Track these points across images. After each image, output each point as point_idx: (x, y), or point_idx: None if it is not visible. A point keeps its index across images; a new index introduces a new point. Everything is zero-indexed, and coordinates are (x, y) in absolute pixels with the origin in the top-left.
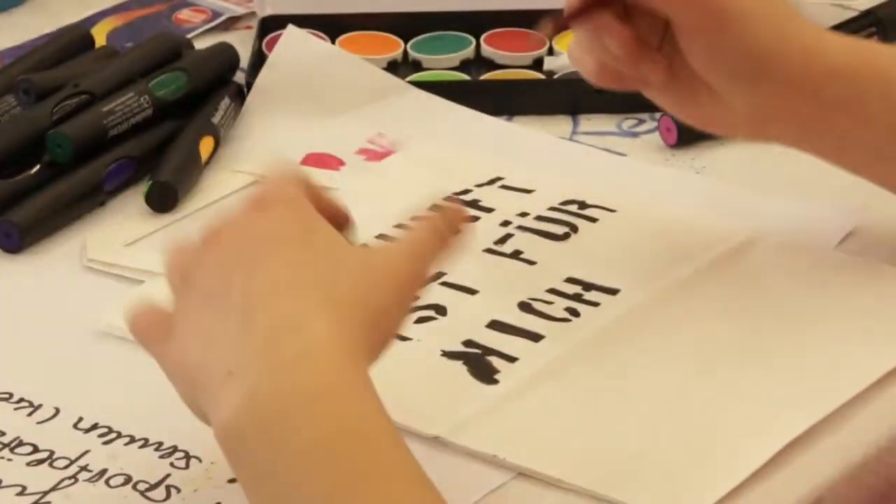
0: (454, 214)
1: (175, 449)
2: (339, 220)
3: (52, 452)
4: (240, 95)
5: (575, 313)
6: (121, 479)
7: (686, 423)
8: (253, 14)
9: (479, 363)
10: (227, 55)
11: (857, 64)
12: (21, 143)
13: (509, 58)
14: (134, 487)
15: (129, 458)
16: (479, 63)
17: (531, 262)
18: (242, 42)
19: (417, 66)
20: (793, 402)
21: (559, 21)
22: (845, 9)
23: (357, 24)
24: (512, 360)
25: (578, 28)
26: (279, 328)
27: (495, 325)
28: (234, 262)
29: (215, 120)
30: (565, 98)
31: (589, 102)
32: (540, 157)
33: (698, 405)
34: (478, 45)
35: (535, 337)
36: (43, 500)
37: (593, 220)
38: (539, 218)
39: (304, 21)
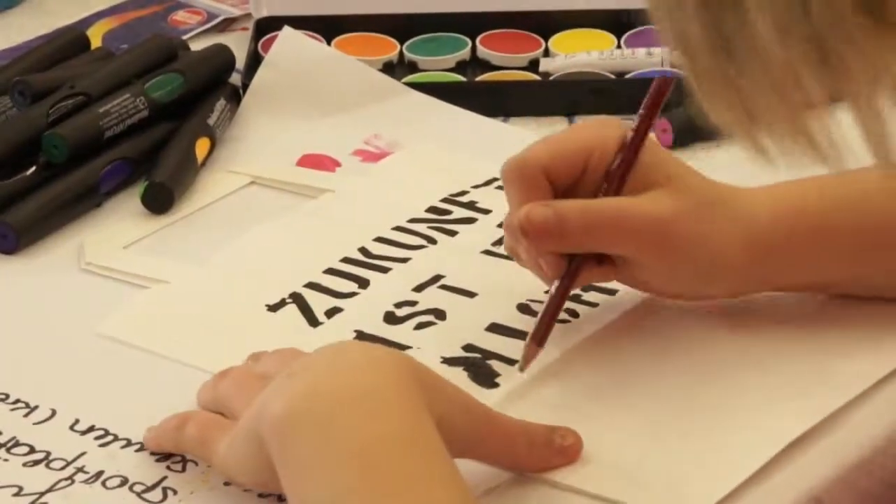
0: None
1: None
2: None
3: (48, 453)
4: (235, 97)
5: (574, 314)
6: (117, 481)
7: (686, 423)
8: (249, 16)
9: (480, 368)
10: (222, 56)
11: (791, 228)
12: (17, 144)
13: (505, 59)
14: (131, 489)
15: (125, 460)
16: (475, 64)
17: None
18: (238, 43)
19: (413, 68)
20: (791, 404)
21: (531, 350)
22: None
23: (353, 26)
24: (512, 362)
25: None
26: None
27: (495, 328)
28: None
29: (211, 121)
30: (561, 99)
31: (585, 104)
32: None
33: (698, 406)
34: (474, 47)
35: None
36: (40, 501)
37: None
38: None
39: (299, 22)
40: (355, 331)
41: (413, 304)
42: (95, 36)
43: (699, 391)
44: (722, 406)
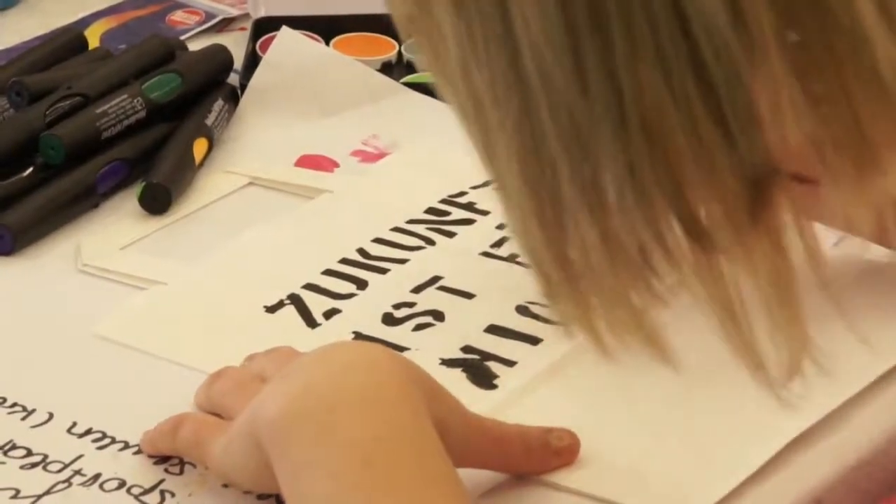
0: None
1: (169, 455)
2: None
3: (45, 456)
4: (233, 97)
5: None
6: (115, 484)
7: (685, 424)
8: (247, 16)
9: (479, 369)
10: (220, 57)
11: None
12: (14, 145)
13: None
14: (128, 492)
15: (123, 463)
16: None
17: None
18: (236, 44)
19: (412, 68)
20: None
21: None
22: None
23: (351, 26)
24: (511, 364)
25: None
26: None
27: (493, 330)
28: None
29: (209, 121)
30: None
31: None
32: None
33: (697, 406)
34: None
35: (534, 340)
36: None
37: None
38: None
39: (298, 22)
40: (353, 332)
41: (411, 305)
42: (93, 36)
43: (699, 391)
44: (721, 406)
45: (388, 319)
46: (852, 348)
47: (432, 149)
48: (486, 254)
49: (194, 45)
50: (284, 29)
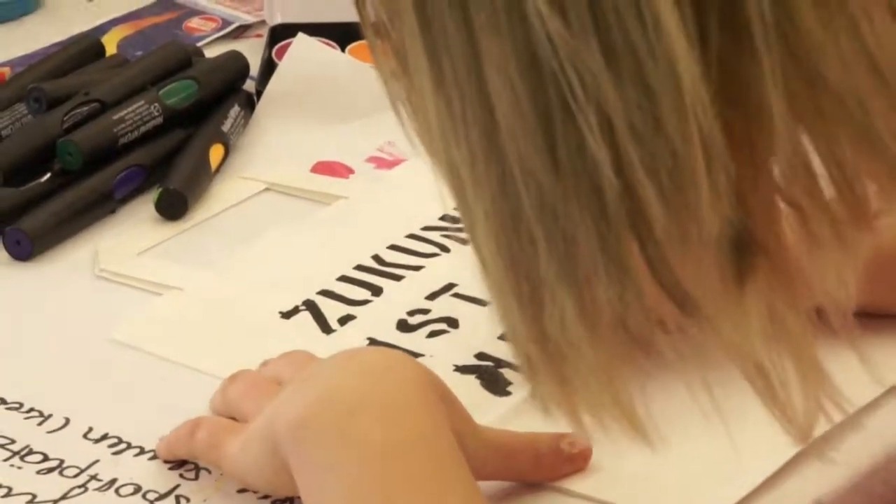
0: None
1: (185, 460)
2: None
3: (62, 461)
4: (249, 103)
5: None
6: (130, 489)
7: (696, 429)
8: (263, 22)
9: (493, 376)
10: (236, 63)
11: None
12: (32, 151)
13: None
14: (144, 497)
15: (138, 469)
16: None
17: None
18: (252, 50)
19: None
20: None
21: None
22: None
23: None
24: None
25: None
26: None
27: None
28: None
29: (225, 128)
30: None
31: None
32: None
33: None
34: None
35: None
36: None
37: None
38: None
39: (314, 29)
40: (368, 338)
41: (426, 312)
42: (110, 43)
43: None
44: (732, 411)
45: (403, 326)
46: (860, 356)
47: None
48: None
49: (211, 52)
50: (300, 35)
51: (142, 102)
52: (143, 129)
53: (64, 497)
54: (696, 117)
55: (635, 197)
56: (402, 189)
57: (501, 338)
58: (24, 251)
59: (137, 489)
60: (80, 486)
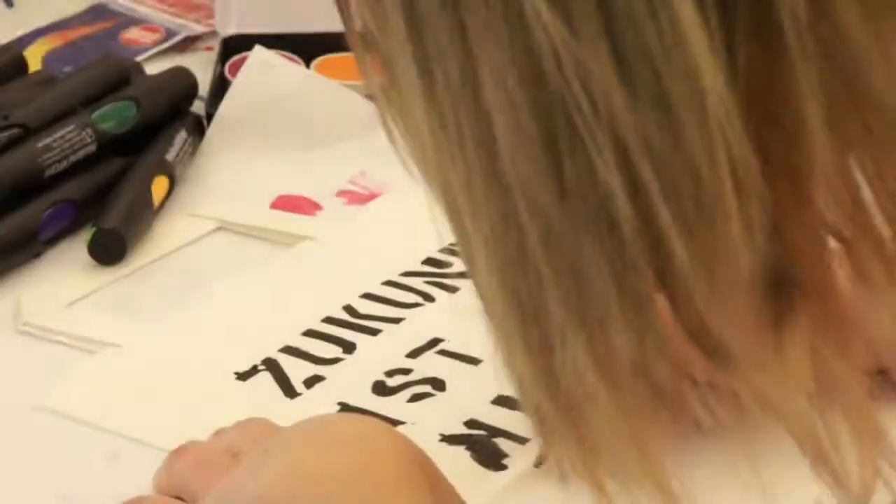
0: None
1: None
2: None
3: None
4: (198, 128)
5: None
6: None
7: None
8: (214, 33)
9: (485, 447)
10: (183, 81)
11: None
12: None
13: None
14: None
15: None
16: None
17: None
18: (202, 66)
19: None
20: None
21: None
22: None
23: (335, 45)
24: (523, 441)
25: None
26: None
27: (502, 401)
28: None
29: (170, 157)
30: None
31: None
32: None
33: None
34: None
35: None
36: None
37: None
38: None
39: (273, 41)
40: (339, 403)
41: (407, 372)
42: (34, 57)
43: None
44: (777, 481)
45: (380, 388)
46: None
47: None
48: None
49: (153, 68)
50: (258, 48)
51: (72, 127)
52: (73, 158)
53: None
54: (724, 136)
55: (654, 228)
56: (378, 228)
57: (496, 402)
58: None
59: None
60: None
